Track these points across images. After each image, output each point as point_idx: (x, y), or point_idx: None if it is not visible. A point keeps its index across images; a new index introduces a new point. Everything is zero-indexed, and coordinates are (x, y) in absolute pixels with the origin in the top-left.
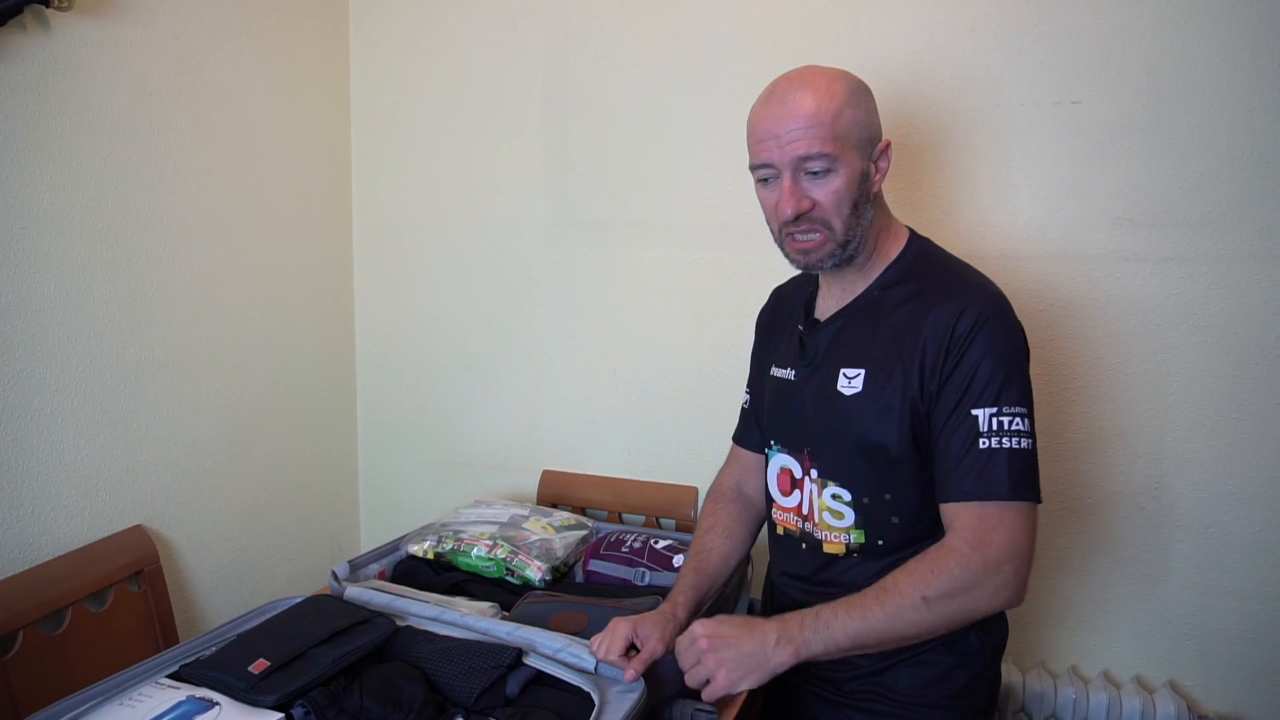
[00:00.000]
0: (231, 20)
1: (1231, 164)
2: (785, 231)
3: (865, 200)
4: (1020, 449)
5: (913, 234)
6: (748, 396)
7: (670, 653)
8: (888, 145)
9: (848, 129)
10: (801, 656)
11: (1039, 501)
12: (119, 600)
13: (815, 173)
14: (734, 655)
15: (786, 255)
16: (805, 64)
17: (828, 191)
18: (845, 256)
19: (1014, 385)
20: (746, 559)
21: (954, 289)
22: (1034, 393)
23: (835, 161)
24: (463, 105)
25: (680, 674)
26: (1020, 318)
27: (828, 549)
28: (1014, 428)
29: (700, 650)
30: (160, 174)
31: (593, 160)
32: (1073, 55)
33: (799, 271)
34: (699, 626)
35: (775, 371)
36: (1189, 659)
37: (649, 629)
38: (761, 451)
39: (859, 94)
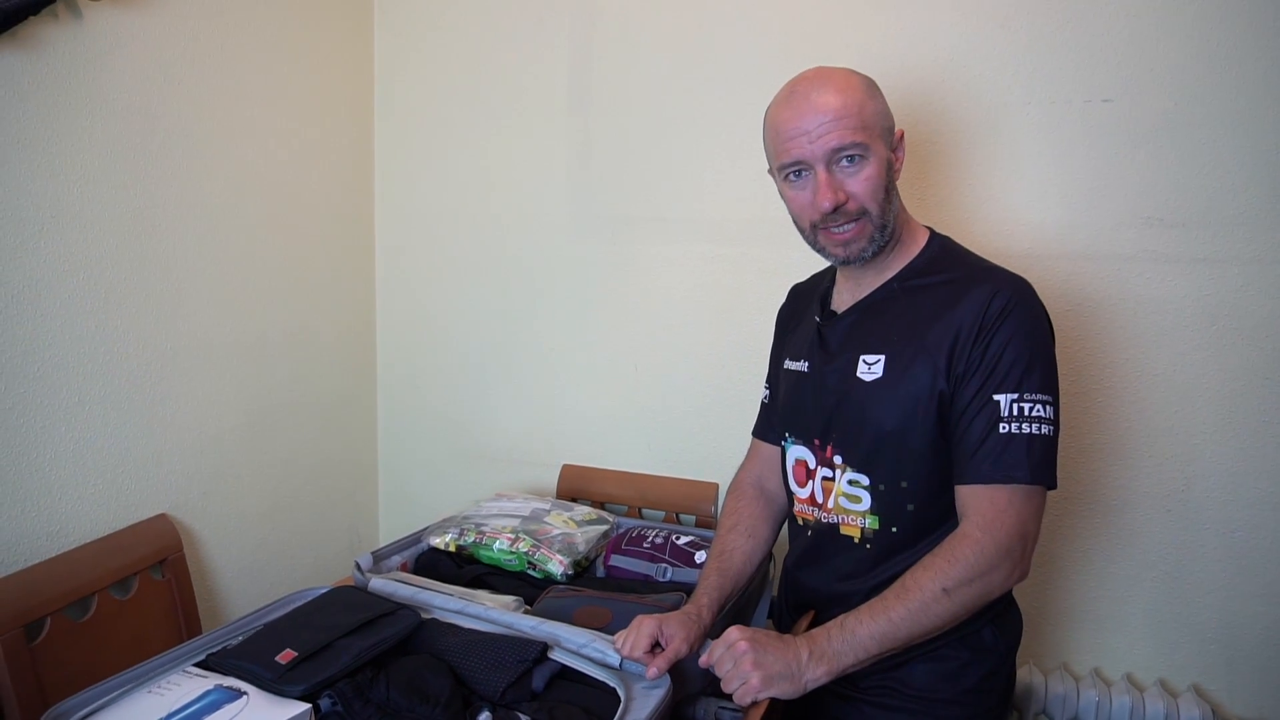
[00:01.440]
0: (258, 12)
1: (1264, 164)
2: (821, 226)
3: (893, 188)
4: (1039, 434)
5: (933, 232)
6: (767, 391)
7: (694, 653)
8: (902, 134)
9: (873, 118)
10: (835, 672)
11: (1054, 487)
12: (143, 588)
13: (849, 162)
14: (770, 660)
15: (823, 251)
16: (822, 64)
17: (861, 179)
18: (883, 242)
19: (1038, 372)
20: (769, 556)
21: (984, 275)
22: (1061, 393)
23: (867, 149)
24: (486, 99)
25: (704, 671)
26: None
27: (844, 531)
28: (1035, 414)
29: (739, 653)
30: (187, 166)
31: (616, 154)
32: (1104, 53)
33: (825, 266)
34: (736, 631)
35: (789, 364)
36: (1214, 663)
37: (674, 628)
38: (779, 445)
39: (873, 86)
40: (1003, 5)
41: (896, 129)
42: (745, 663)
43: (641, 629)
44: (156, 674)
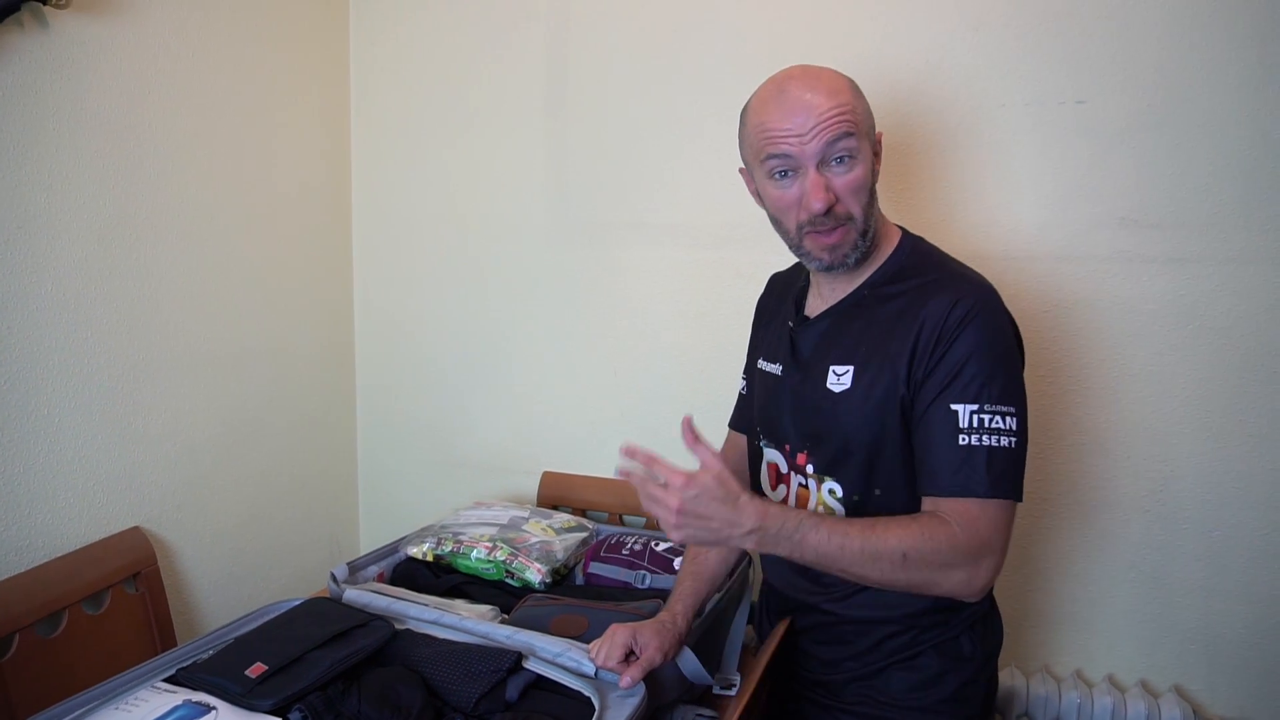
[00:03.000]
0: (231, 18)
1: (1239, 164)
2: (807, 229)
3: (874, 191)
4: (999, 446)
5: (904, 233)
6: (744, 382)
7: (670, 661)
8: (881, 136)
9: (861, 119)
10: (763, 551)
11: (1019, 500)
12: (116, 602)
13: (838, 163)
14: (696, 527)
15: (806, 255)
16: (799, 64)
17: (848, 181)
18: (865, 248)
19: (998, 383)
20: (746, 557)
21: (948, 282)
22: (1038, 395)
23: (857, 151)
24: (463, 104)
25: (680, 680)
26: (1024, 319)
27: None
28: (995, 425)
29: (669, 507)
30: (159, 173)
31: (594, 159)
32: (1078, 55)
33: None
34: (684, 483)
35: (763, 365)
36: (1195, 663)
37: (648, 636)
38: (755, 441)
39: (858, 88)
40: (977, 8)
41: (876, 131)
42: (670, 518)
43: (615, 638)
44: (124, 690)
